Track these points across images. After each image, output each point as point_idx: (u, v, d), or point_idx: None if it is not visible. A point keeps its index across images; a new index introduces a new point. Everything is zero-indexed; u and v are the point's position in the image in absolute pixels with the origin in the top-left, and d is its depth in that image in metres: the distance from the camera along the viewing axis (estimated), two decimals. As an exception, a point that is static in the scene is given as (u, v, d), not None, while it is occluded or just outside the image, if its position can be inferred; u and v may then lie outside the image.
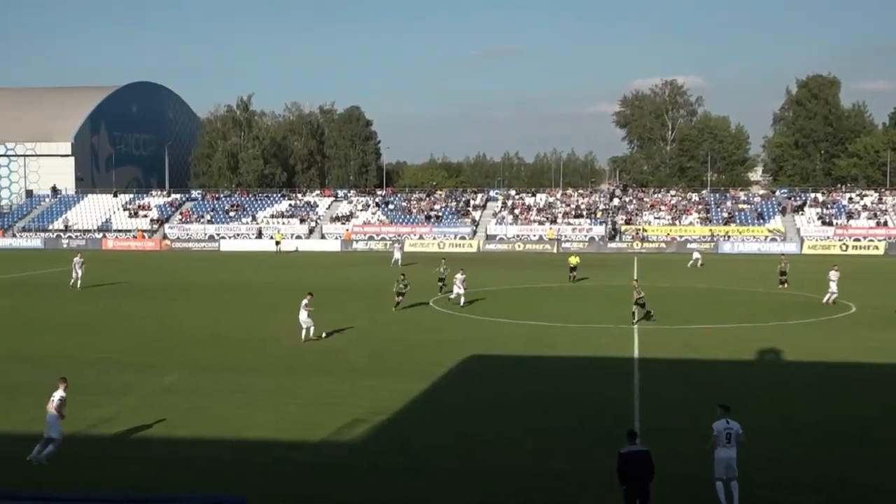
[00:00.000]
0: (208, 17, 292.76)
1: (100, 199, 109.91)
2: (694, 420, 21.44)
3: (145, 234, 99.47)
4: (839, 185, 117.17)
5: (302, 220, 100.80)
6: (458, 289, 44.66)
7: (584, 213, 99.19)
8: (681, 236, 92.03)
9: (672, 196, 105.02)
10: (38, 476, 18.40)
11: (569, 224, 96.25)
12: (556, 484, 18.21)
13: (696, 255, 70.93)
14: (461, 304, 44.01)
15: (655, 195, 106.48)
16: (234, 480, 18.25)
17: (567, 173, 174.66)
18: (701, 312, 42.93)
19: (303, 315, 34.27)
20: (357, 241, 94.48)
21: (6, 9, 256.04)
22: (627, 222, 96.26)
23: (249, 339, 35.05)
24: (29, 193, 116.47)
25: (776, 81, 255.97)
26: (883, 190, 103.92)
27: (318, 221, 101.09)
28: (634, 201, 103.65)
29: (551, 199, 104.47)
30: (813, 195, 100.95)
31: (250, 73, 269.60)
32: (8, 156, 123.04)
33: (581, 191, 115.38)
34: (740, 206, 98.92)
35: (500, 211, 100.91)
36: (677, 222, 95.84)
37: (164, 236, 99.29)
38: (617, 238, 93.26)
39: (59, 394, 19.35)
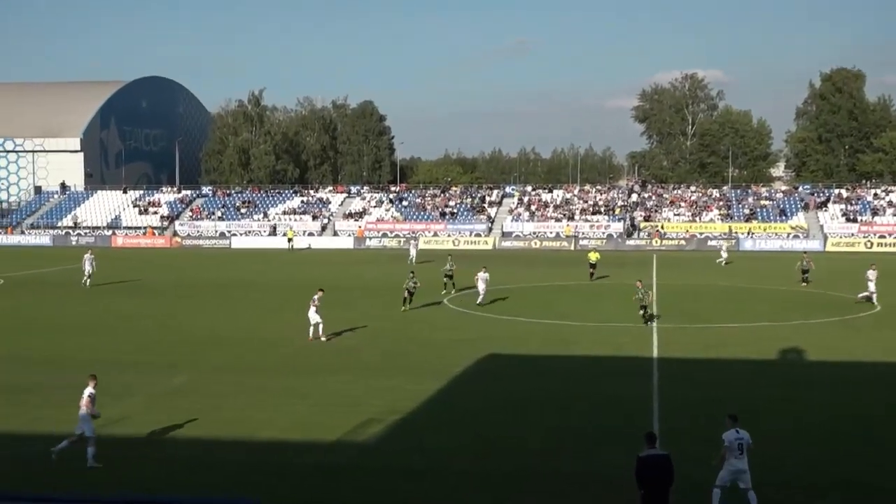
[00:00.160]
0: (219, 11, 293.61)
1: (109, 195, 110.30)
2: (714, 422, 21.29)
3: (155, 231, 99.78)
4: (864, 181, 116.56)
5: (314, 217, 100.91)
6: (481, 286, 44.34)
7: (602, 209, 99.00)
8: (701, 233, 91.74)
9: (692, 192, 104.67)
10: (47, 477, 18.51)
11: (586, 221, 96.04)
12: (572, 486, 18.20)
13: (723, 252, 70.63)
14: (478, 301, 43.87)
15: (675, 191, 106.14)
16: (247, 482, 18.30)
17: (585, 169, 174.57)
18: (722, 311, 42.79)
19: (311, 311, 34.28)
20: (370, 238, 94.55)
21: (14, 3, 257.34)
22: (646, 219, 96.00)
23: (260, 339, 35.13)
24: (37, 190, 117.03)
25: (799, 75, 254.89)
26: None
27: (331, 218, 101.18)
28: (653, 198, 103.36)
29: (568, 196, 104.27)
30: (837, 191, 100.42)
31: (262, 66, 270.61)
32: (16, 151, 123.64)
33: (599, 187, 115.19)
34: (762, 202, 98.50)
35: (516, 207, 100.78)
36: (697, 219, 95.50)
37: (175, 233, 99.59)
38: (635, 235, 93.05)
39: (87, 391, 19.43)
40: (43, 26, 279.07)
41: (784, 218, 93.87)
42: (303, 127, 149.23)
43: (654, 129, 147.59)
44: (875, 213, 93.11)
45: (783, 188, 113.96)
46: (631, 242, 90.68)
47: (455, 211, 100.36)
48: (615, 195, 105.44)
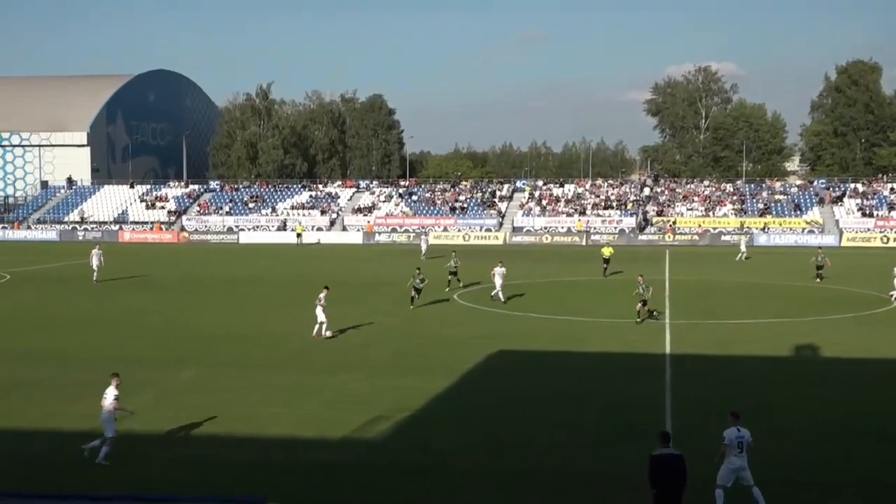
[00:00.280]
0: (227, 3, 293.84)
1: (116, 190, 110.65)
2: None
3: (162, 226, 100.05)
4: (880, 175, 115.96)
5: (323, 212, 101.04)
6: (498, 281, 43.99)
7: (614, 204, 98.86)
8: (714, 228, 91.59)
9: (705, 187, 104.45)
10: (52, 475, 18.57)
11: (598, 216, 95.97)
12: (583, 485, 18.18)
13: (742, 247, 70.48)
14: (492, 296, 43.63)
15: (688, 186, 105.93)
16: (254, 479, 18.33)
17: (596, 163, 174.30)
18: (736, 307, 42.68)
19: (317, 310, 34.22)
20: (379, 233, 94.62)
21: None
22: (659, 214, 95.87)
23: (268, 335, 35.19)
24: (44, 184, 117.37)
25: (814, 67, 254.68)
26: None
27: (340, 213, 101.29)
28: (666, 192, 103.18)
29: (580, 190, 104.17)
30: (853, 185, 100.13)
31: (270, 60, 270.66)
32: (23, 146, 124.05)
33: (611, 181, 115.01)
34: (777, 196, 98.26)
35: (527, 202, 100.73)
36: (711, 214, 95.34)
37: (182, 228, 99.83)
38: (648, 230, 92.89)
39: (111, 391, 19.49)
40: (48, 20, 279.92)
41: (799, 213, 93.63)
42: (311, 121, 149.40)
43: (666, 122, 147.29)
44: (892, 207, 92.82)
45: (798, 182, 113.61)
46: (643, 237, 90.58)
47: (465, 206, 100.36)
48: (627, 190, 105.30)
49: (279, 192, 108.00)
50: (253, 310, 42.23)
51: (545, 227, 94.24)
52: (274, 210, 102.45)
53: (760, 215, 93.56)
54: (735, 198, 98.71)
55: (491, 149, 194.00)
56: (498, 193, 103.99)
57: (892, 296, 44.44)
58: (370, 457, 19.99)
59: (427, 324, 37.95)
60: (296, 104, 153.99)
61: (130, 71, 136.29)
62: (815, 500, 17.52)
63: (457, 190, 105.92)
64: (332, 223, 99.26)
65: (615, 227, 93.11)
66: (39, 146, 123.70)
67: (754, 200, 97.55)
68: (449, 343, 33.42)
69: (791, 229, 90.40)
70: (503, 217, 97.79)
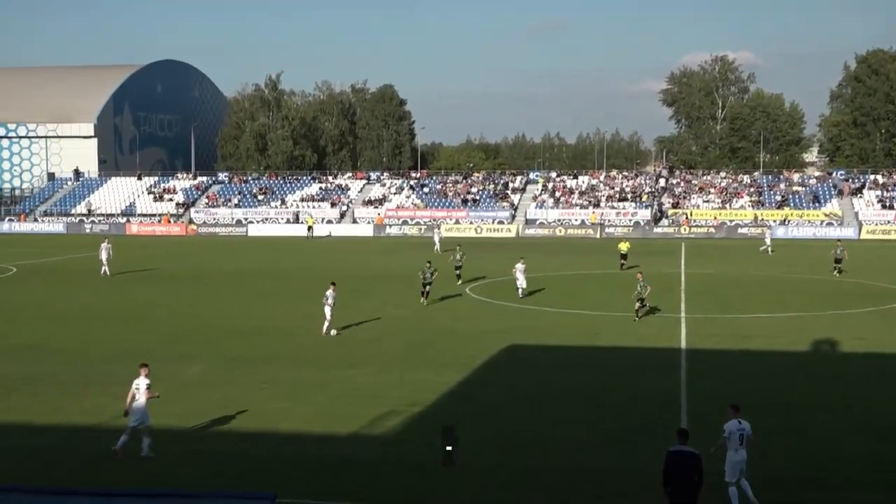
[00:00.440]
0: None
1: (123, 182, 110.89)
2: (745, 416, 21.26)
3: (171, 219, 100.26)
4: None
5: (333, 204, 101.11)
6: (520, 278, 43.60)
7: (629, 196, 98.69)
8: (731, 221, 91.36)
9: (722, 178, 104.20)
10: (61, 469, 18.66)
11: (612, 208, 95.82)
12: (594, 482, 18.17)
13: (767, 240, 70.23)
14: (520, 294, 43.07)
15: (704, 177, 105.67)
16: (263, 475, 18.39)
17: (611, 154, 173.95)
18: (753, 301, 42.59)
19: (325, 307, 33.97)
20: (390, 225, 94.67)
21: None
22: (674, 206, 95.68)
23: (278, 329, 35.28)
24: (51, 176, 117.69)
25: (833, 56, 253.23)
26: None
27: (350, 205, 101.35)
28: (682, 184, 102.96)
29: (594, 182, 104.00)
30: (872, 177, 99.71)
31: (279, 50, 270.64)
32: (29, 137, 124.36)
33: (626, 173, 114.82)
34: (795, 188, 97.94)
35: (540, 194, 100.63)
36: (727, 206, 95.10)
37: (190, 221, 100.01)
38: (663, 223, 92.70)
39: (143, 381, 19.66)
40: (54, 10, 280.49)
41: (817, 205, 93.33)
42: (321, 112, 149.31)
43: (682, 113, 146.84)
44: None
45: (816, 174, 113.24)
46: (658, 230, 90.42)
47: (477, 198, 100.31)
48: (642, 181, 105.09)
49: (288, 184, 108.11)
50: (262, 303, 42.32)
51: (559, 220, 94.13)
52: (283, 202, 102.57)
53: (778, 207, 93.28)
54: (752, 190, 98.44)
55: (504, 140, 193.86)
56: (511, 185, 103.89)
57: None
58: (382, 452, 20.04)
59: (439, 317, 37.99)
60: (305, 95, 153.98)
61: (138, 61, 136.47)
62: (831, 498, 17.47)
63: (469, 182, 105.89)
64: (342, 215, 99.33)
65: (630, 220, 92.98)
66: (46, 137, 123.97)
67: (772, 192, 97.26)
68: (461, 337, 33.46)
69: (809, 222, 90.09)
70: (516, 209, 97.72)
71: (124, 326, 36.00)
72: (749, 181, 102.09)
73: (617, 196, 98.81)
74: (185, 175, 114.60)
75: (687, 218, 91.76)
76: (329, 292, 33.83)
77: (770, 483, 17.65)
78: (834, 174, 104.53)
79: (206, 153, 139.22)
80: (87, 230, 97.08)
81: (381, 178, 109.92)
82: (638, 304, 36.94)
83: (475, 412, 23.14)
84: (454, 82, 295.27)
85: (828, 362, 29.71)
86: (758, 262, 60.86)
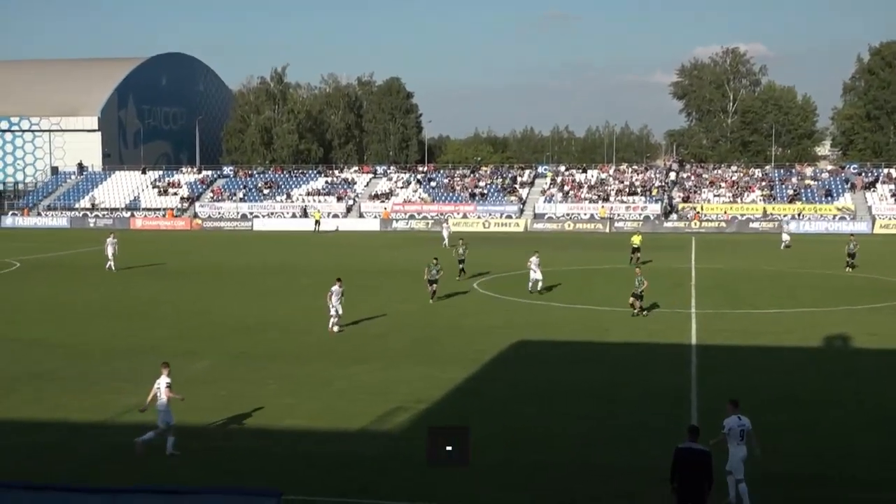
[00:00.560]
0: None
1: (128, 176, 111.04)
2: (755, 412, 21.21)
3: (175, 213, 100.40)
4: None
5: (339, 198, 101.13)
6: (534, 274, 43.24)
7: (639, 190, 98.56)
8: (742, 215, 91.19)
9: (733, 172, 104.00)
10: (65, 466, 18.72)
11: (622, 202, 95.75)
12: (602, 479, 18.16)
13: (785, 235, 70.02)
14: (539, 289, 42.81)
15: (715, 171, 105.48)
16: (270, 471, 18.43)
17: (620, 148, 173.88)
18: (764, 296, 42.53)
19: (330, 304, 33.80)
20: (397, 220, 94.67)
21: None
22: (685, 200, 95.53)
23: (284, 325, 35.32)
24: (54, 170, 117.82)
25: (846, 49, 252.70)
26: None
27: (356, 199, 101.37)
28: (692, 178, 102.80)
29: (603, 176, 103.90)
30: (886, 171, 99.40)
31: (285, 42, 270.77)
32: (32, 131, 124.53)
33: (635, 167, 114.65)
34: (807, 182, 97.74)
35: (548, 188, 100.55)
36: (738, 200, 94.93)
37: (195, 215, 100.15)
38: (673, 217, 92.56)
39: (164, 380, 19.77)
40: (58, 3, 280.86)
41: (830, 199, 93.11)
42: (327, 105, 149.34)
43: (693, 106, 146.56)
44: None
45: (829, 168, 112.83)
46: (668, 224, 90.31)
47: (485, 192, 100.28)
48: (652, 175, 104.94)
49: (294, 178, 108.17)
50: (267, 299, 42.36)
51: (567, 214, 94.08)
52: (289, 196, 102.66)
53: (790, 202, 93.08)
54: (764, 183, 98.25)
55: (512, 133, 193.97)
56: (519, 179, 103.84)
57: None
58: (388, 448, 20.06)
59: (446, 313, 38.01)
60: (311, 88, 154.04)
61: (142, 54, 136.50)
62: (842, 495, 17.45)
63: (476, 176, 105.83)
64: (349, 210, 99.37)
65: (639, 214, 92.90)
66: (49, 131, 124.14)
67: (783, 186, 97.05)
68: (468, 333, 33.47)
69: (822, 216, 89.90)
70: (524, 204, 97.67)
71: (128, 322, 36.06)
72: (760, 175, 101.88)
73: (626, 190, 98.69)
74: (189, 169, 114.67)
75: (697, 212, 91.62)
76: (335, 288, 33.72)
77: (781, 479, 17.66)
78: (847, 168, 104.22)
79: (211, 147, 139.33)
80: (91, 225, 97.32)
81: (388, 171, 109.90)
82: (632, 299, 36.88)
83: (483, 408, 23.15)
84: (461, 75, 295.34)
85: (839, 358, 29.66)
86: (769, 257, 60.74)
